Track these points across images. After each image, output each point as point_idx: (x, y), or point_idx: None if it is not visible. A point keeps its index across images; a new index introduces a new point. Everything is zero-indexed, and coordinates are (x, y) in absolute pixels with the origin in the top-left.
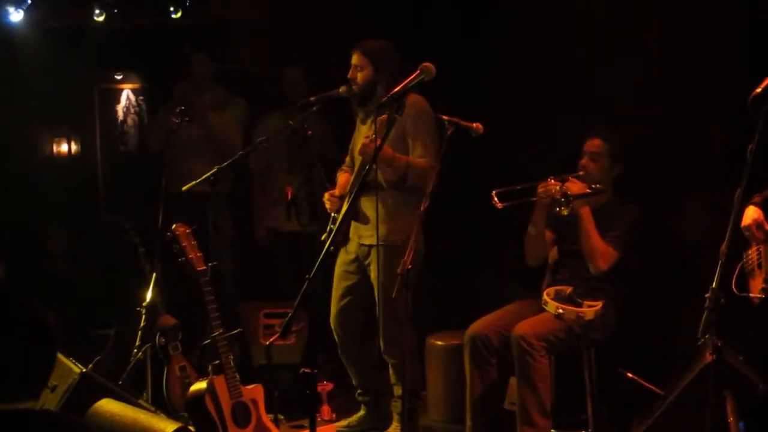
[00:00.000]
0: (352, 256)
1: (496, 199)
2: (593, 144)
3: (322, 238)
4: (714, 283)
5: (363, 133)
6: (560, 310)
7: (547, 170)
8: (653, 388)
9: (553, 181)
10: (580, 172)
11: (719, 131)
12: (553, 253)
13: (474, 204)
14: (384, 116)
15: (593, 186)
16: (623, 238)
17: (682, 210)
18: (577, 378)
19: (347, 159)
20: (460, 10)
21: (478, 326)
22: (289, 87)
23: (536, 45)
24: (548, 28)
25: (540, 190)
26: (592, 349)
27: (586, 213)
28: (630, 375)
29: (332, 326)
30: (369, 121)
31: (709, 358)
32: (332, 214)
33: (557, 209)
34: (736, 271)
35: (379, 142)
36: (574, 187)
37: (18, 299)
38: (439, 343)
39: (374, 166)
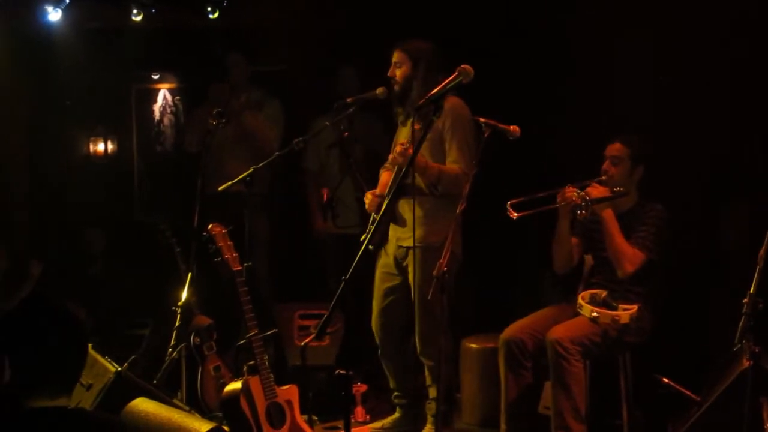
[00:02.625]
0: (391, 258)
1: (511, 209)
2: (614, 148)
3: (362, 238)
4: (752, 289)
5: (404, 133)
6: (595, 314)
7: (583, 175)
8: (689, 393)
9: (571, 188)
10: (603, 177)
11: (758, 136)
12: (588, 259)
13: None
14: (418, 125)
15: (615, 189)
16: (649, 239)
17: (720, 214)
18: (612, 383)
19: (390, 157)
20: (502, 12)
21: (513, 330)
22: (342, 86)
23: (577, 49)
24: (587, 31)
25: (559, 198)
26: (628, 354)
27: (608, 216)
28: (666, 380)
29: (373, 328)
30: (409, 122)
31: (746, 363)
32: (372, 215)
33: (577, 213)
34: None
35: (412, 149)
36: (595, 191)
37: (49, 297)
38: (474, 346)
39: (411, 170)
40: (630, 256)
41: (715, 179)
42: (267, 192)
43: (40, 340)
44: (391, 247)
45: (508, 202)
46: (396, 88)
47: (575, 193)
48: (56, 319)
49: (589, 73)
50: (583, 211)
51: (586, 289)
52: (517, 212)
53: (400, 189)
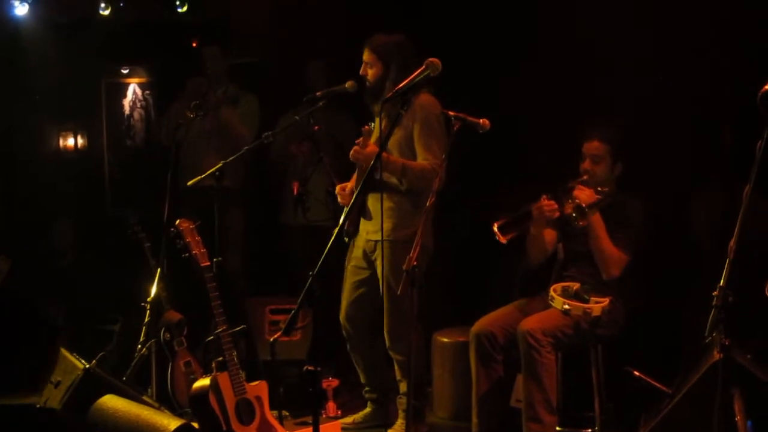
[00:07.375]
0: (360, 252)
1: (499, 234)
2: (592, 146)
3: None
4: (722, 281)
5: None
6: (567, 306)
7: (555, 167)
8: (661, 386)
9: (546, 200)
10: (584, 177)
11: (730, 127)
12: (560, 251)
13: (481, 200)
14: (366, 127)
15: (600, 189)
16: (632, 239)
17: (692, 207)
18: (583, 375)
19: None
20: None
21: (483, 323)
22: (310, 80)
23: (551, 39)
24: (563, 22)
25: (535, 213)
26: (599, 346)
27: (597, 220)
28: (637, 373)
29: (341, 322)
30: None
31: (716, 356)
32: (345, 208)
33: (576, 223)
34: None
35: (371, 145)
36: (584, 195)
37: (20, 295)
38: (446, 340)
39: (378, 165)
40: (617, 260)
41: (689, 171)
42: (240, 186)
43: (8, 337)
44: (360, 241)
45: (495, 225)
46: (368, 85)
47: (569, 203)
48: (25, 317)
49: (557, 60)
50: (580, 220)
51: (558, 281)
52: (504, 235)
53: (369, 184)
